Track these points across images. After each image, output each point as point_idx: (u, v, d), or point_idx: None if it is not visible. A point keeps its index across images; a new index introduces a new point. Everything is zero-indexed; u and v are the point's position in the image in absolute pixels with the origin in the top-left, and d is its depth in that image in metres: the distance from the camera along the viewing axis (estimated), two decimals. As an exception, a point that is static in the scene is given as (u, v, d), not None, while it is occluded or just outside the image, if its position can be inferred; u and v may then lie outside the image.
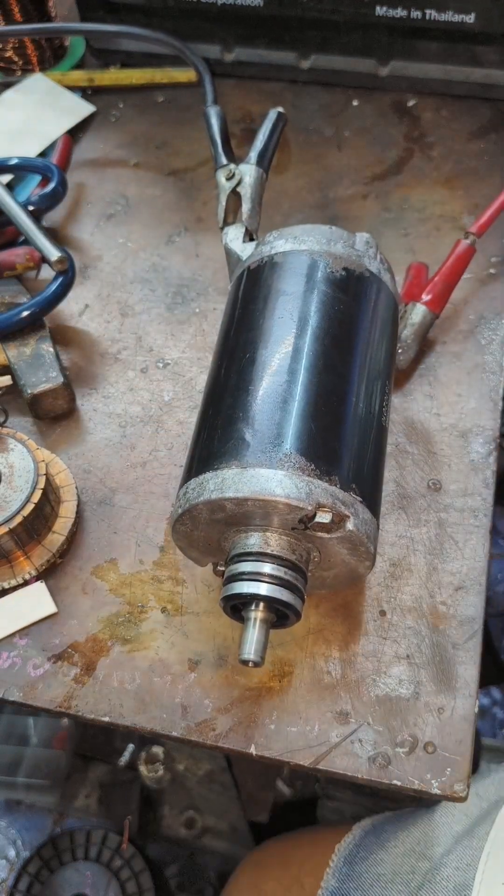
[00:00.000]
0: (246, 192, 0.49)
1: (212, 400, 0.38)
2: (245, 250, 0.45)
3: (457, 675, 0.40)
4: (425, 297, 0.50)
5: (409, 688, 0.39)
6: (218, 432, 0.36)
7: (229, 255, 0.47)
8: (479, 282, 0.54)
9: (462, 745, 0.38)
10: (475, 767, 0.45)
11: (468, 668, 0.40)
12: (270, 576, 0.34)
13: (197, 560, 0.40)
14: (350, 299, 0.40)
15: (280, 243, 0.42)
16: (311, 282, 0.40)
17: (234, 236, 0.47)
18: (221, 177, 0.51)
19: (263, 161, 0.51)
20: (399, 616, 0.41)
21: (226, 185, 0.50)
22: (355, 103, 0.67)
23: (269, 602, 0.35)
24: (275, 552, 0.35)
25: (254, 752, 0.38)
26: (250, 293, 0.41)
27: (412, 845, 0.49)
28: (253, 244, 0.45)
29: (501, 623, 1.09)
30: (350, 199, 0.61)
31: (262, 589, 0.34)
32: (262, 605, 0.35)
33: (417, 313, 0.49)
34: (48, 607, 0.42)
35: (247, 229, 0.47)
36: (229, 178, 0.50)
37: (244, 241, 0.46)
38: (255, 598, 0.35)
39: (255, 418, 0.35)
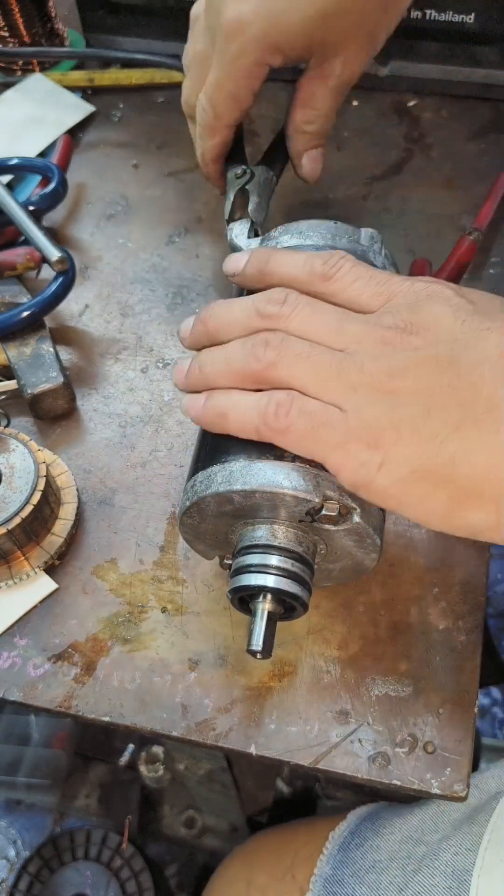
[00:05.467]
0: (254, 188, 0.50)
1: None
2: (250, 245, 0.45)
3: (457, 675, 0.40)
4: None
5: (409, 688, 0.39)
6: None
7: (234, 250, 0.47)
8: (479, 282, 0.54)
9: (462, 745, 0.38)
10: (475, 767, 0.46)
11: (468, 667, 0.40)
12: (278, 568, 0.35)
13: (204, 553, 0.40)
14: None
15: (285, 238, 0.42)
16: None
17: (239, 231, 0.47)
18: (231, 174, 0.51)
19: (275, 164, 0.52)
20: (399, 616, 0.41)
21: (235, 182, 0.50)
22: (355, 103, 0.67)
23: (277, 594, 0.35)
24: (282, 544, 0.35)
25: (254, 752, 0.38)
26: (257, 290, 0.41)
27: (409, 832, 0.48)
28: (258, 240, 0.45)
29: (501, 623, 1.09)
30: (350, 199, 0.61)
31: (270, 581, 0.35)
32: (269, 596, 0.35)
33: None
34: (48, 586, 0.43)
35: (252, 224, 0.47)
36: (239, 177, 0.50)
37: (249, 237, 0.46)
38: (262, 589, 0.35)
39: None
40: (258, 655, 0.35)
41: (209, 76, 0.46)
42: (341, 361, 0.32)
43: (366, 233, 0.42)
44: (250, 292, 0.42)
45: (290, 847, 0.54)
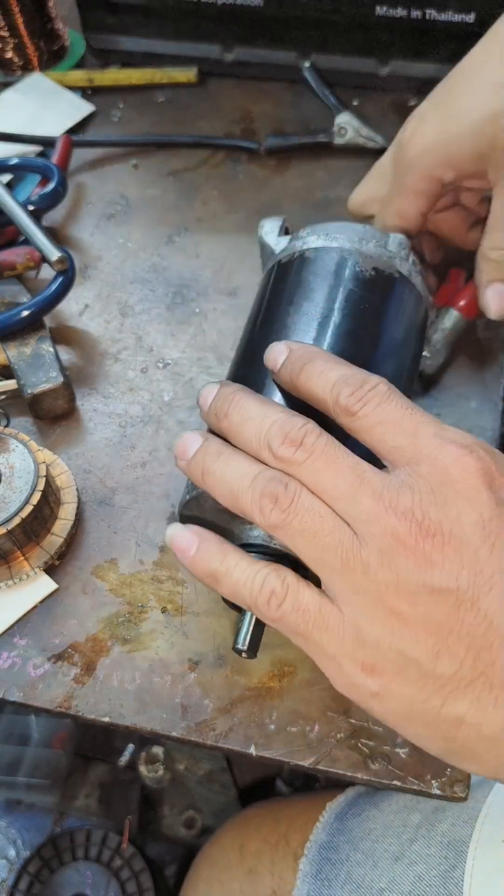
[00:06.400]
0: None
1: None
2: (279, 244, 0.45)
3: (457, 676, 0.40)
4: (459, 302, 0.48)
5: (409, 688, 0.39)
6: None
7: (263, 247, 0.47)
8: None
9: (462, 746, 0.38)
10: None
11: (468, 668, 0.40)
12: None
13: None
14: (377, 300, 0.39)
15: (312, 239, 0.41)
16: (338, 279, 0.39)
17: (269, 229, 0.46)
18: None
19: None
20: (399, 616, 0.41)
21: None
22: (355, 103, 0.67)
23: None
24: (277, 546, 0.35)
25: (254, 753, 0.38)
26: (278, 287, 0.41)
27: (405, 801, 0.49)
28: (287, 238, 0.45)
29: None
30: (350, 199, 0.60)
31: None
32: None
33: (450, 318, 0.48)
34: (48, 586, 0.43)
35: (283, 222, 0.47)
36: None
37: (279, 235, 0.46)
38: None
39: None
40: (243, 654, 0.35)
41: (385, 195, 0.47)
42: (346, 552, 0.29)
43: (394, 238, 0.42)
44: (275, 280, 0.41)
45: (285, 816, 0.54)
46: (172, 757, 0.87)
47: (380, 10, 0.61)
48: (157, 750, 0.87)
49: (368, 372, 0.33)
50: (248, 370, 0.39)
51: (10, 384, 0.48)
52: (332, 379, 0.32)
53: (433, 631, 0.27)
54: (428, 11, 0.61)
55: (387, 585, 0.28)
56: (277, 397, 0.36)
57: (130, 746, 0.88)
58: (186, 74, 0.69)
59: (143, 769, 0.87)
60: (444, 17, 0.61)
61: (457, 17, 0.61)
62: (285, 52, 0.67)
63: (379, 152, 0.62)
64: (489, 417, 0.48)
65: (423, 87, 0.65)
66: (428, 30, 0.62)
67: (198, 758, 0.86)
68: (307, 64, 0.65)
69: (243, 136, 0.66)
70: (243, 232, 0.59)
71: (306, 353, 0.34)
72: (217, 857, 0.57)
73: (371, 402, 0.31)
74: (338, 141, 0.63)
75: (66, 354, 0.53)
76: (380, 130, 0.62)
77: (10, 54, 0.69)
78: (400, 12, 0.61)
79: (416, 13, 0.61)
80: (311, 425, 0.31)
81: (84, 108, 0.67)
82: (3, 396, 0.49)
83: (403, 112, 0.66)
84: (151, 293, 0.56)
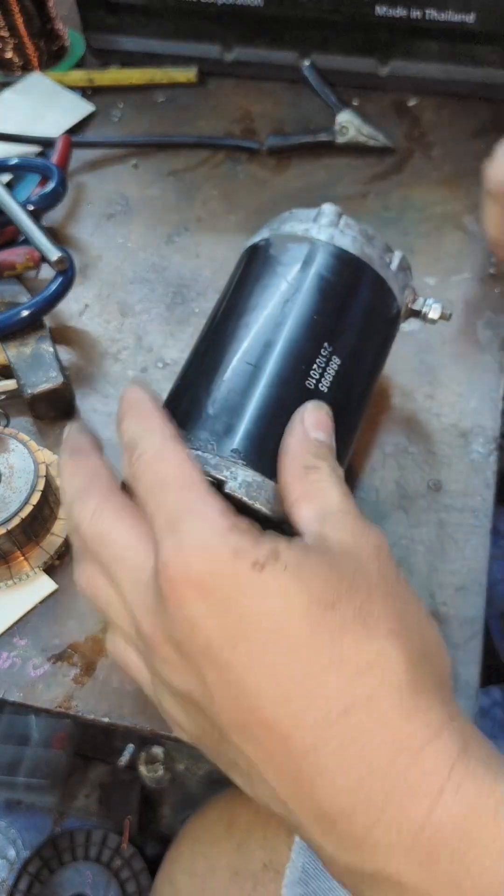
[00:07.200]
0: None
1: None
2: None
3: (457, 675, 0.39)
4: None
5: (409, 688, 0.39)
6: None
7: None
8: (480, 281, 0.54)
9: (462, 746, 0.38)
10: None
11: (468, 668, 0.40)
12: None
13: None
14: (279, 273, 0.37)
15: (250, 241, 0.41)
16: (246, 269, 0.39)
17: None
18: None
19: None
20: (399, 616, 0.41)
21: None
22: (355, 103, 0.67)
23: None
24: None
25: (254, 753, 0.38)
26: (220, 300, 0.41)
27: None
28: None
29: (501, 623, 1.09)
30: (350, 199, 0.61)
31: None
32: None
33: None
34: (48, 586, 0.43)
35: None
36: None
37: None
38: None
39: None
40: None
41: None
42: (132, 603, 0.28)
43: (320, 209, 0.40)
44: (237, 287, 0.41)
45: None
46: (172, 757, 0.87)
47: (380, 10, 0.61)
48: (157, 750, 0.87)
49: (149, 428, 0.32)
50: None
51: (10, 384, 0.48)
52: (123, 443, 0.32)
53: (181, 693, 0.27)
54: (428, 11, 0.61)
55: (153, 636, 0.27)
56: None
57: (130, 746, 0.88)
58: (186, 74, 0.69)
59: (143, 769, 0.87)
60: (444, 17, 0.61)
61: (457, 17, 0.61)
62: (285, 51, 0.67)
63: (381, 151, 0.63)
64: (489, 417, 0.48)
65: (423, 87, 0.66)
66: (428, 30, 0.62)
67: (198, 758, 0.86)
68: (307, 62, 0.65)
69: (243, 135, 0.66)
70: (243, 232, 0.59)
71: (126, 404, 0.34)
72: (201, 834, 0.56)
73: (135, 476, 0.30)
74: (339, 140, 0.63)
75: (65, 354, 0.53)
76: (381, 130, 0.62)
77: (10, 54, 0.69)
78: (400, 12, 0.61)
79: (416, 13, 0.61)
80: (138, 448, 0.31)
81: (84, 108, 0.67)
82: (3, 396, 0.49)
83: (403, 112, 0.66)
84: (151, 293, 0.56)
